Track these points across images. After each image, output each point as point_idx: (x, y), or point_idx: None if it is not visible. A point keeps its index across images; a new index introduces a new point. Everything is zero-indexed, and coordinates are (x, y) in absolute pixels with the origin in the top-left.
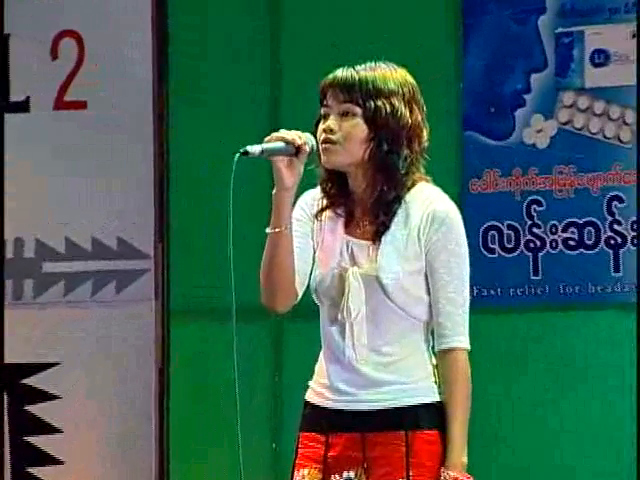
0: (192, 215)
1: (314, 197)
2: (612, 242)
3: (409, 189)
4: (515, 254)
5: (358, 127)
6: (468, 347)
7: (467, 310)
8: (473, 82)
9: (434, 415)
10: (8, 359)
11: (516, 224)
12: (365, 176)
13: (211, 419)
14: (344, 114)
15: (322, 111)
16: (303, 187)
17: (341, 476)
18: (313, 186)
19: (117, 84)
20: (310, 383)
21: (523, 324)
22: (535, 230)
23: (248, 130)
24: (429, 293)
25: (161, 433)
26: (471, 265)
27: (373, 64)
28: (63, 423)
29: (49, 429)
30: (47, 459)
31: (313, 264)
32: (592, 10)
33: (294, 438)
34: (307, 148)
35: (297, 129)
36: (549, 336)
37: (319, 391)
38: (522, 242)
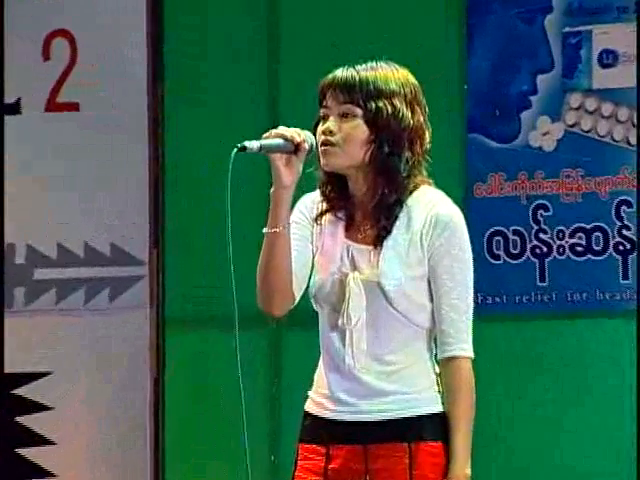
0: (189, 218)
1: (314, 200)
2: (621, 248)
3: (411, 192)
4: (521, 260)
5: (358, 129)
6: (472, 355)
7: (471, 317)
8: (477, 83)
9: (438, 426)
10: None
11: (522, 229)
12: (365, 179)
13: (208, 431)
14: (344, 115)
15: (321, 112)
16: (303, 190)
17: None
18: (313, 189)
19: (111, 85)
20: (310, 393)
21: (529, 332)
22: (541, 236)
23: (248, 130)
24: (432, 300)
25: (156, 445)
26: (475, 272)
27: (374, 64)
28: (55, 435)
29: (41, 441)
30: (39, 472)
31: (312, 269)
32: (600, 9)
33: (293, 450)
34: (306, 146)
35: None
36: (556, 345)
37: (319, 401)
38: (528, 248)
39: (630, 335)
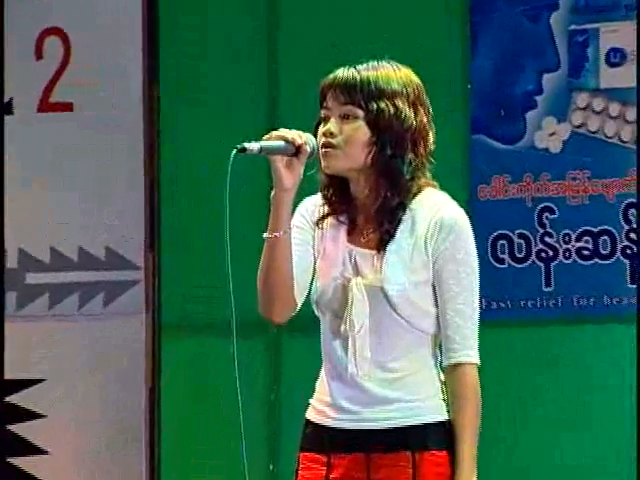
0: (186, 221)
1: (315, 203)
2: (629, 252)
3: (415, 195)
4: (526, 264)
5: (360, 130)
6: (478, 362)
7: (477, 323)
8: (481, 83)
9: (443, 435)
10: None
11: (527, 233)
12: (368, 182)
13: (205, 439)
14: (345, 117)
15: (322, 113)
16: (304, 193)
17: None
18: (314, 192)
19: (106, 85)
20: (311, 401)
21: (534, 339)
22: (547, 239)
23: (247, 130)
24: (437, 305)
25: (152, 454)
26: (480, 276)
27: (376, 63)
28: (48, 443)
29: (33, 450)
30: None
31: (314, 274)
32: (607, 6)
33: (292, 459)
34: (308, 148)
35: (298, 130)
36: (562, 351)
37: (320, 409)
38: (533, 252)
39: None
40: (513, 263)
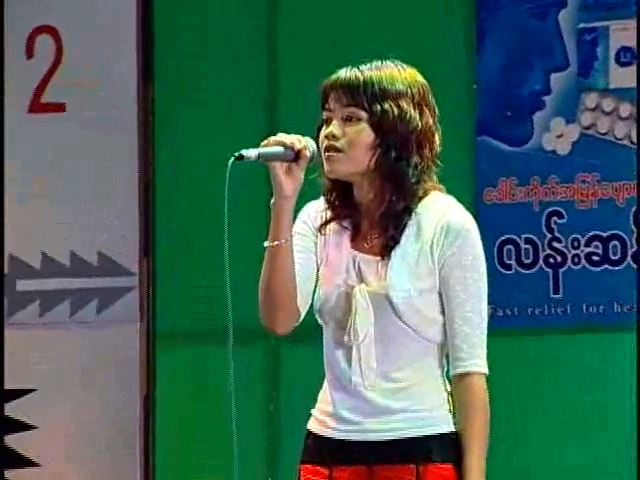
0: (183, 225)
1: (317, 209)
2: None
3: (420, 199)
4: (533, 270)
5: (363, 133)
6: (486, 371)
7: (485, 331)
8: (488, 83)
9: (448, 447)
10: None
11: (534, 238)
12: (372, 186)
13: (201, 452)
14: (348, 119)
15: (324, 115)
16: (305, 198)
17: None
18: (315, 197)
19: (99, 85)
20: (313, 411)
21: (542, 347)
22: (555, 244)
23: (248, 131)
24: (443, 313)
25: (147, 466)
26: None
27: (379, 63)
28: (40, 455)
29: (24, 462)
30: None
31: (317, 282)
32: (617, 4)
33: (292, 471)
34: (307, 153)
35: (298, 131)
36: (570, 360)
37: (322, 419)
38: (541, 257)
39: None
40: (520, 269)
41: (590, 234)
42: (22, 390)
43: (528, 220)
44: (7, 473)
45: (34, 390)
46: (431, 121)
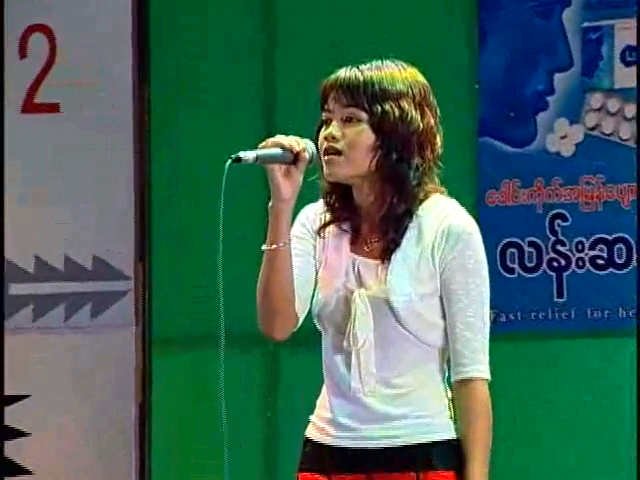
0: (179, 228)
1: (316, 212)
2: None
3: (421, 202)
4: (537, 274)
5: (363, 134)
6: (488, 377)
7: (487, 336)
8: (490, 83)
9: (450, 454)
10: None
11: (538, 241)
12: (372, 188)
13: (198, 461)
14: (348, 119)
15: (323, 116)
16: (303, 200)
17: None
18: (314, 199)
19: (93, 85)
20: (311, 417)
21: (545, 352)
22: (559, 247)
23: (248, 131)
24: (444, 317)
25: (142, 473)
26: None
27: (380, 63)
28: (33, 463)
29: (17, 470)
30: None
31: (315, 286)
32: (623, 2)
33: (291, 479)
34: (306, 155)
35: (297, 132)
36: (574, 366)
37: (320, 426)
38: (545, 261)
39: None
40: (523, 273)
41: (595, 237)
42: (15, 396)
43: (531, 223)
44: None
45: (27, 396)
46: (432, 122)
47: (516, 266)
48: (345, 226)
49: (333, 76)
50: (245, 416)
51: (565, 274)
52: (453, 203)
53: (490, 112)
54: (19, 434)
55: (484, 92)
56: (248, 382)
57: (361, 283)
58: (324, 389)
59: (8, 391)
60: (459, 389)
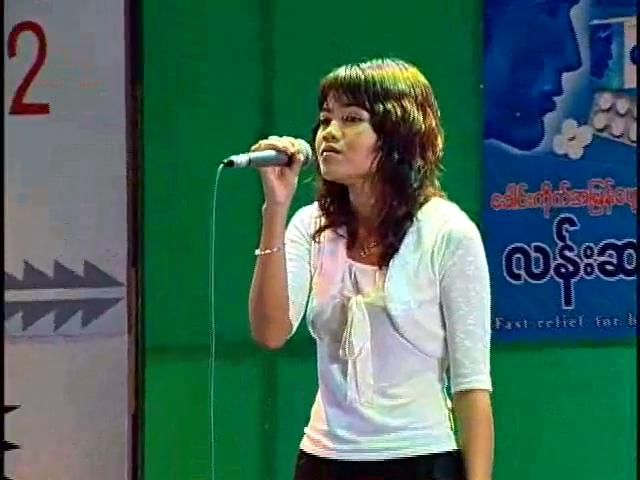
0: (174, 232)
1: (311, 215)
2: None
3: (421, 205)
4: (544, 281)
5: (365, 134)
6: (490, 388)
7: (488, 345)
8: (495, 83)
9: (451, 466)
10: None
11: (545, 246)
12: (372, 190)
13: (192, 474)
14: (348, 119)
15: (322, 115)
16: (299, 203)
17: None
18: (309, 202)
19: (84, 85)
20: (306, 429)
21: (553, 362)
22: (567, 253)
23: (247, 131)
24: (444, 326)
25: None
26: (493, 293)
27: (380, 61)
28: (22, 475)
29: None
30: None
31: (310, 292)
32: None
33: None
34: (301, 157)
35: (297, 132)
36: (583, 376)
37: (316, 439)
38: (552, 267)
39: None
40: (530, 279)
41: (604, 242)
42: (4, 407)
43: (538, 227)
44: None
45: (16, 407)
46: (434, 123)
47: (522, 272)
48: (341, 230)
49: (332, 75)
50: (241, 427)
51: (573, 281)
52: (453, 207)
53: (495, 113)
54: (8, 446)
55: (489, 92)
56: (244, 391)
57: (358, 290)
58: (318, 398)
59: None
60: (459, 400)
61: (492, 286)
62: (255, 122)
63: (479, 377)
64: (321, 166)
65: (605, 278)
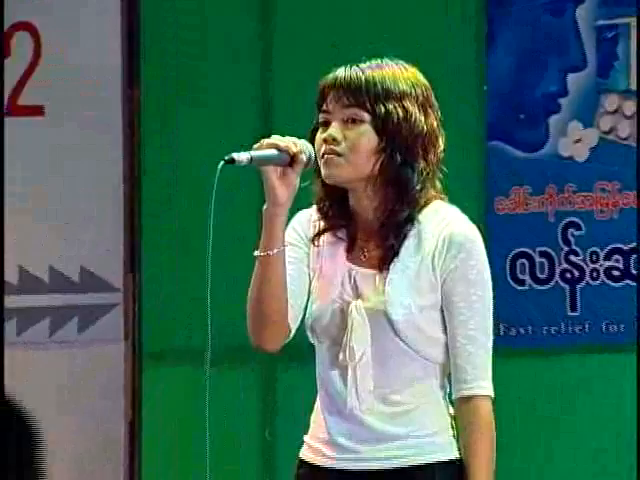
0: (172, 237)
1: (309, 218)
2: None
3: (422, 208)
4: (549, 286)
5: (366, 136)
6: (492, 394)
7: (490, 351)
8: (499, 84)
9: (453, 475)
10: None
11: (550, 251)
12: (374, 193)
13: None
14: (349, 121)
15: (320, 117)
16: (300, 204)
17: None
18: (309, 204)
19: (80, 86)
20: (305, 438)
21: (558, 368)
22: (572, 258)
23: (247, 131)
24: (446, 331)
25: None
26: (496, 299)
27: (380, 62)
28: None
29: None
30: None
31: (309, 296)
32: None
33: None
34: (303, 157)
35: (297, 133)
36: (589, 383)
37: (316, 447)
38: (557, 272)
39: None
40: (534, 285)
41: (610, 247)
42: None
43: (543, 232)
44: None
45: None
46: (435, 124)
47: (527, 277)
48: (341, 234)
49: (331, 75)
50: (241, 435)
51: (579, 286)
52: (455, 210)
53: (499, 115)
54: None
55: (493, 94)
56: (243, 396)
57: (358, 294)
58: (317, 405)
59: None
60: (461, 406)
61: (496, 292)
62: (254, 122)
63: (481, 383)
64: (322, 169)
65: (611, 283)
